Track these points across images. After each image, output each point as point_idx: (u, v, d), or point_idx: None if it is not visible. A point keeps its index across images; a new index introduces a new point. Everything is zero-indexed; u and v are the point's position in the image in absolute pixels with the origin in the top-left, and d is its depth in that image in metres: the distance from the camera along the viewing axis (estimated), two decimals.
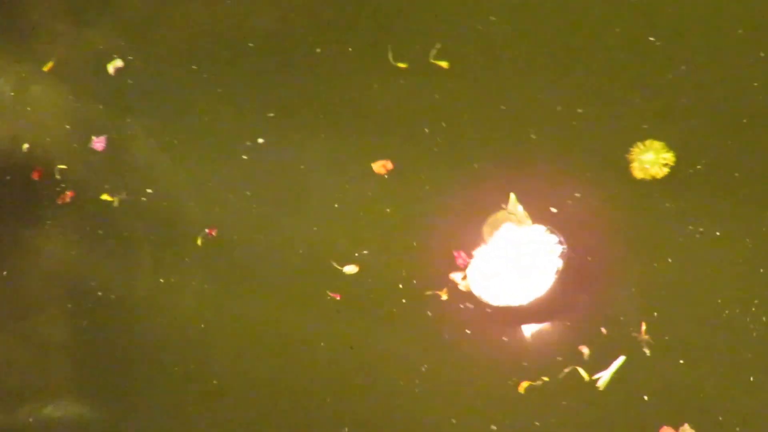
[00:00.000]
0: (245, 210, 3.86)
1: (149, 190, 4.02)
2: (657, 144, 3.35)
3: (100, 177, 4.11)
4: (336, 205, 3.74)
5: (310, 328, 3.60)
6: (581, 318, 3.31)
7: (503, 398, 3.28)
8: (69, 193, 4.13)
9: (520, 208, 3.42)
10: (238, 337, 3.71)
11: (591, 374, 3.21)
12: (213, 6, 4.23)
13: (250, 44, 4.11)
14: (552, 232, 3.34)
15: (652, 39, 3.54)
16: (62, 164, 4.19)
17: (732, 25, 3.45)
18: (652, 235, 3.32)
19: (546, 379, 3.25)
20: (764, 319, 3.12)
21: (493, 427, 3.28)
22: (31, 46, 4.47)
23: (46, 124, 4.31)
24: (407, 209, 3.65)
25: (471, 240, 3.45)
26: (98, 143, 4.16)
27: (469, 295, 3.40)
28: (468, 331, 3.41)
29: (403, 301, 3.52)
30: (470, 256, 3.44)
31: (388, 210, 3.67)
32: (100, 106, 4.24)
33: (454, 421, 3.34)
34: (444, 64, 3.77)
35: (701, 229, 3.26)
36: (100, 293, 3.95)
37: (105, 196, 4.06)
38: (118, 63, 4.26)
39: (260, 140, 3.93)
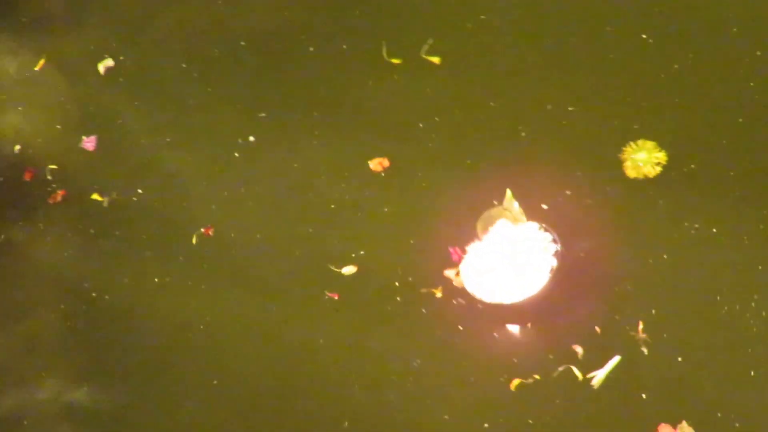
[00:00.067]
0: (241, 209, 3.81)
1: (140, 190, 3.97)
2: (649, 143, 3.33)
3: (91, 177, 4.06)
4: (332, 206, 3.70)
5: (308, 327, 3.55)
6: (575, 316, 3.25)
7: (496, 395, 3.24)
8: (60, 193, 4.09)
9: (516, 204, 3.38)
10: (237, 337, 3.64)
11: (585, 373, 3.16)
12: (205, 5, 4.22)
13: (242, 43, 4.08)
14: (546, 229, 3.29)
15: (644, 37, 3.51)
16: (53, 164, 4.14)
17: (727, 23, 3.43)
18: (646, 233, 3.28)
19: (537, 377, 3.20)
20: (764, 314, 3.08)
21: (486, 425, 3.23)
22: (22, 45, 4.44)
23: (38, 125, 4.28)
24: (404, 207, 3.62)
25: (467, 236, 3.40)
26: (88, 143, 4.12)
27: (462, 292, 3.35)
28: (461, 328, 3.36)
29: (398, 299, 3.47)
30: (464, 251, 3.39)
31: (385, 209, 3.63)
32: (91, 106, 4.21)
33: (446, 417, 3.29)
34: (436, 59, 3.76)
35: (696, 226, 3.23)
36: (94, 294, 3.88)
37: (95, 196, 4.01)
38: (109, 62, 4.23)
39: (251, 138, 3.89)
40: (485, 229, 3.37)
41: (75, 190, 4.06)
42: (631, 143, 3.34)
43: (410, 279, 3.48)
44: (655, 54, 3.48)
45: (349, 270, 3.55)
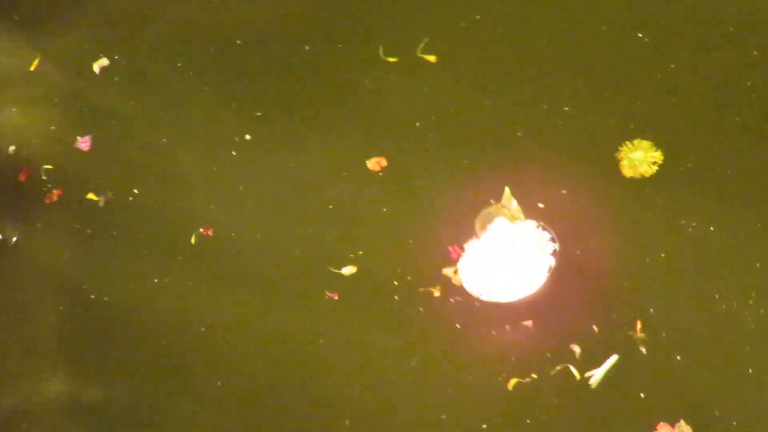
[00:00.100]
0: (240, 208, 3.77)
1: (136, 190, 3.93)
2: (645, 143, 3.32)
3: (86, 177, 4.02)
4: (330, 206, 3.67)
5: (308, 326, 3.52)
6: (573, 315, 3.23)
7: (493, 395, 3.21)
8: (56, 192, 4.05)
9: (514, 203, 3.36)
10: (238, 337, 3.60)
11: (583, 372, 3.14)
12: (200, 4, 4.18)
13: (238, 41, 4.04)
14: (544, 228, 3.27)
15: (640, 36, 3.50)
16: (48, 165, 4.10)
17: (723, 22, 3.42)
18: (643, 232, 3.27)
19: (535, 376, 3.18)
20: (762, 312, 3.07)
21: (484, 426, 3.20)
22: (16, 45, 4.38)
23: (32, 125, 4.24)
24: (403, 206, 3.59)
25: (465, 234, 3.38)
26: (83, 143, 4.08)
27: (460, 290, 3.33)
28: (458, 326, 3.34)
29: (396, 297, 3.44)
30: (462, 249, 3.37)
31: (384, 209, 3.61)
32: (86, 106, 4.17)
33: (444, 417, 3.26)
34: (432, 58, 3.74)
35: (694, 225, 3.21)
36: (93, 296, 3.83)
37: (91, 196, 3.97)
38: (104, 62, 4.20)
39: (248, 137, 3.86)
40: (483, 227, 3.34)
41: (71, 190, 4.02)
42: (628, 142, 3.33)
43: (409, 278, 3.45)
44: (652, 53, 3.46)
45: (348, 270, 3.52)
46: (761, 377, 3.00)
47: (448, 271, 3.38)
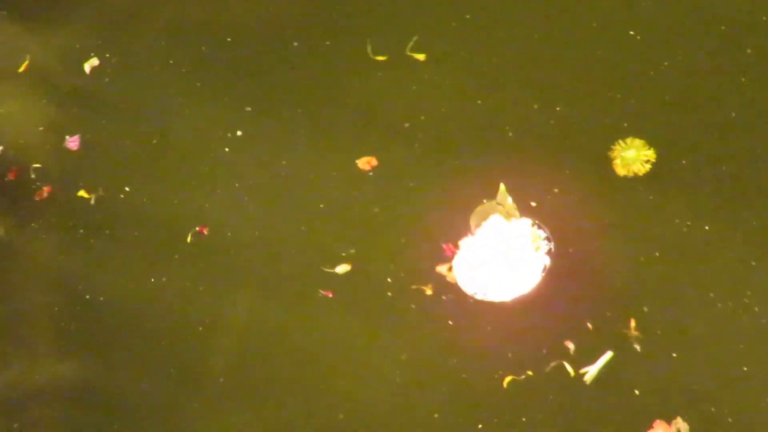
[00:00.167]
0: (235, 206, 3.72)
1: (127, 188, 3.87)
2: (638, 141, 3.30)
3: (76, 175, 3.96)
4: (321, 205, 3.63)
5: (303, 323, 3.48)
6: (566, 312, 3.20)
7: (488, 393, 3.18)
8: (46, 189, 3.98)
9: (509, 200, 3.32)
10: (237, 336, 3.55)
11: (577, 369, 3.12)
12: (192, 1, 4.14)
13: (229, 39, 4.00)
14: (540, 226, 3.25)
15: (632, 33, 3.48)
16: (37, 164, 4.04)
17: (715, 20, 3.41)
18: (637, 230, 3.25)
19: (530, 373, 3.15)
20: (756, 310, 3.06)
21: (480, 426, 3.17)
22: (6, 46, 4.31)
23: (21, 126, 4.17)
24: (394, 206, 3.55)
25: (457, 233, 3.36)
26: (72, 142, 4.03)
27: (454, 288, 3.31)
28: (450, 323, 3.30)
29: (389, 294, 3.41)
30: (457, 246, 3.34)
31: (375, 209, 3.57)
32: (76, 106, 4.11)
33: (436, 416, 3.23)
34: (421, 56, 3.71)
35: (688, 223, 3.19)
36: (88, 296, 3.76)
37: (82, 193, 3.91)
38: (95, 62, 4.14)
39: (239, 133, 3.82)
40: (478, 224, 3.31)
41: (61, 188, 3.96)
42: (620, 141, 3.30)
43: (402, 275, 3.41)
44: (644, 51, 3.43)
45: (342, 268, 3.48)
46: (755, 375, 2.99)
47: (441, 268, 3.34)
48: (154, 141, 3.93)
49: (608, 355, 3.09)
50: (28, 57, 4.26)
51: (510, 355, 3.19)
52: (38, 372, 3.73)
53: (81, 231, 3.87)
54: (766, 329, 3.03)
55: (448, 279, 3.32)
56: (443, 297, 3.33)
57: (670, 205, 3.22)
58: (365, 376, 3.36)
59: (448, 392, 3.24)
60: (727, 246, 3.13)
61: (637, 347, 3.08)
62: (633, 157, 3.27)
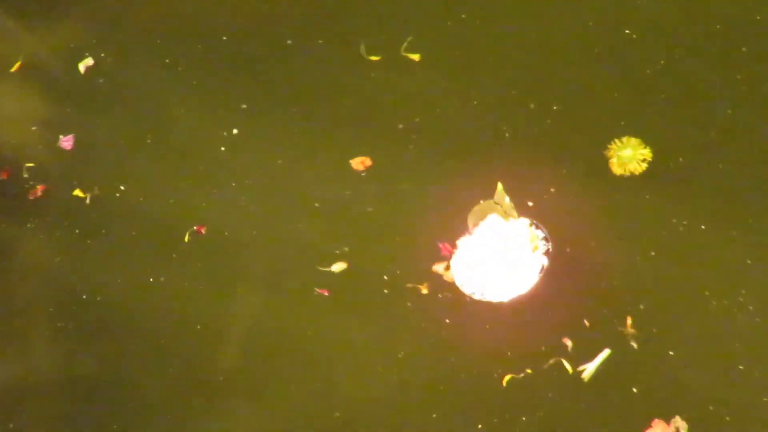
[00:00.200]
0: (230, 205, 3.70)
1: (122, 187, 3.85)
2: (634, 140, 3.29)
3: (70, 174, 3.94)
4: (316, 204, 3.61)
5: (300, 321, 3.46)
6: (564, 310, 3.19)
7: (487, 392, 3.16)
8: (40, 187, 3.96)
9: (507, 199, 3.31)
10: (234, 334, 3.53)
11: (575, 366, 3.10)
12: (187, 0, 4.13)
13: (224, 38, 3.99)
14: (537, 226, 3.23)
15: (627, 32, 3.47)
16: (30, 163, 4.01)
17: (710, 19, 3.41)
18: (634, 229, 3.24)
19: (529, 371, 3.13)
20: (751, 308, 3.05)
21: (480, 426, 3.14)
22: None
23: (13, 126, 4.15)
24: (388, 206, 3.54)
25: (454, 232, 3.34)
26: (66, 142, 4.00)
27: (450, 286, 3.29)
28: (447, 321, 3.29)
29: (385, 291, 3.39)
30: (454, 246, 3.32)
31: (369, 209, 3.55)
32: (70, 106, 4.09)
33: (434, 415, 3.21)
34: (415, 56, 3.70)
35: (685, 222, 3.18)
36: (84, 296, 3.73)
37: (77, 192, 3.88)
38: (89, 61, 4.11)
39: (235, 131, 3.80)
40: (476, 224, 3.29)
41: (55, 187, 3.94)
42: (616, 140, 3.29)
43: (398, 272, 3.40)
44: (640, 49, 3.43)
45: (339, 267, 3.46)
46: (751, 373, 2.98)
47: (438, 267, 3.32)
48: (149, 140, 3.90)
49: (606, 352, 3.08)
50: (20, 57, 4.23)
51: (509, 353, 3.17)
52: (35, 373, 3.69)
53: (77, 231, 3.84)
54: (761, 328, 3.02)
55: (445, 278, 3.31)
56: (439, 295, 3.31)
57: (667, 204, 3.21)
58: (363, 375, 3.34)
59: (446, 391, 3.22)
60: (722, 245, 3.13)
61: (634, 345, 3.07)
62: (629, 156, 3.26)
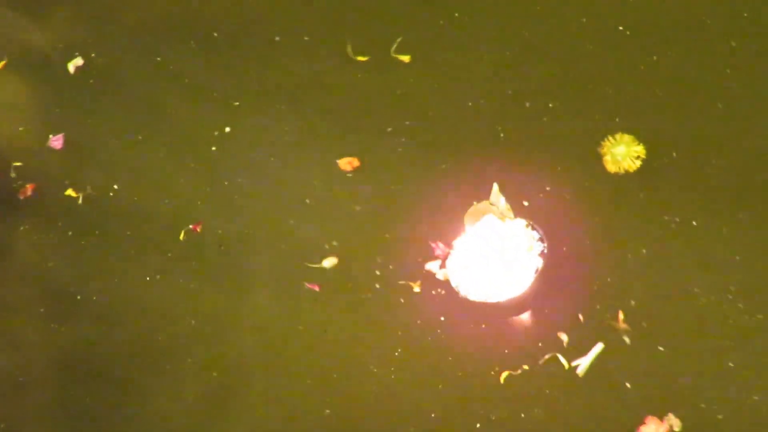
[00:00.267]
0: (224, 203, 3.69)
1: (116, 186, 3.83)
2: (627, 137, 3.29)
3: (61, 174, 3.91)
4: (307, 201, 3.61)
5: (293, 317, 3.46)
6: (559, 306, 3.20)
7: (486, 389, 3.15)
8: (29, 186, 3.93)
9: (502, 200, 3.29)
10: (231, 332, 3.53)
11: (570, 361, 3.10)
12: None
13: (215, 34, 3.98)
14: (533, 227, 3.22)
15: (621, 28, 3.47)
16: (18, 162, 3.99)
17: (700, 15, 3.42)
18: (627, 227, 3.23)
19: (526, 367, 3.12)
20: (740, 306, 3.04)
21: (478, 425, 3.14)
22: None
23: (0, 125, 4.13)
24: (378, 206, 3.53)
25: (444, 233, 3.35)
26: (55, 141, 3.97)
27: (444, 285, 3.29)
28: (442, 318, 3.29)
29: (377, 286, 3.39)
30: (449, 246, 3.31)
31: (357, 208, 3.55)
32: (59, 105, 4.07)
33: (433, 415, 3.20)
34: (405, 58, 3.67)
35: (677, 219, 3.18)
36: (78, 297, 3.71)
37: (69, 192, 3.85)
38: (79, 61, 4.08)
39: (227, 129, 3.79)
40: (472, 224, 3.28)
41: (45, 186, 3.91)
42: (609, 137, 3.28)
43: (391, 267, 3.40)
44: (634, 46, 3.44)
45: (330, 262, 3.45)
46: (740, 371, 2.97)
47: (431, 265, 3.32)
48: (140, 138, 3.88)
49: (599, 347, 3.08)
50: (6, 57, 4.21)
51: (506, 350, 3.17)
52: (31, 373, 3.68)
53: (70, 233, 3.82)
54: (749, 325, 3.02)
55: (438, 277, 3.31)
56: (432, 292, 3.31)
57: (659, 201, 3.21)
58: (358, 371, 3.33)
59: (444, 390, 3.21)
60: (712, 241, 3.12)
61: (627, 339, 3.07)
62: (623, 153, 3.25)
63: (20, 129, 4.07)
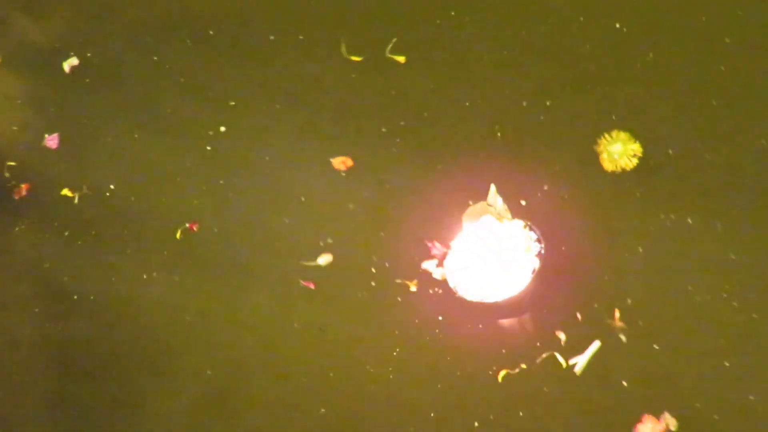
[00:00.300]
0: (220, 202, 3.69)
1: (112, 186, 3.82)
2: (623, 135, 3.28)
3: (57, 173, 3.91)
4: (302, 199, 3.61)
5: (291, 316, 3.45)
6: (557, 304, 3.19)
7: (484, 388, 3.15)
8: (24, 186, 3.92)
9: (500, 201, 3.28)
10: (226, 328, 3.53)
11: (568, 359, 3.10)
12: None
13: (211, 32, 3.97)
14: (531, 228, 3.21)
15: (618, 26, 3.47)
16: (11, 162, 3.98)
17: (696, 13, 3.42)
18: (623, 225, 3.23)
19: (524, 366, 3.12)
20: (735, 304, 3.04)
21: (476, 424, 3.13)
22: None
23: None
24: (373, 205, 3.53)
25: (441, 233, 3.35)
26: (51, 141, 3.96)
27: (441, 284, 3.29)
28: (440, 318, 3.28)
29: (373, 283, 3.39)
30: (446, 246, 3.30)
31: (351, 206, 3.54)
32: (55, 105, 4.06)
33: (432, 414, 3.19)
34: (401, 58, 3.65)
35: (672, 217, 3.18)
36: (75, 296, 3.70)
37: (66, 192, 3.84)
38: (74, 61, 4.07)
39: (222, 129, 3.78)
40: (470, 225, 3.27)
41: (42, 186, 3.90)
42: (606, 135, 3.28)
43: (387, 264, 3.40)
44: (630, 43, 3.43)
45: (325, 260, 3.45)
46: (736, 370, 2.97)
47: (427, 264, 3.32)
48: (136, 136, 3.88)
49: (596, 345, 3.08)
50: (0, 55, 4.20)
51: (504, 350, 3.17)
52: (28, 373, 3.67)
53: (66, 233, 3.80)
54: (743, 324, 3.01)
55: (435, 276, 3.31)
56: (429, 291, 3.31)
57: (655, 199, 3.21)
58: (354, 370, 3.33)
59: (443, 389, 3.20)
60: (707, 239, 3.12)
61: (623, 338, 3.07)
62: (620, 151, 3.24)
63: (14, 128, 4.06)
